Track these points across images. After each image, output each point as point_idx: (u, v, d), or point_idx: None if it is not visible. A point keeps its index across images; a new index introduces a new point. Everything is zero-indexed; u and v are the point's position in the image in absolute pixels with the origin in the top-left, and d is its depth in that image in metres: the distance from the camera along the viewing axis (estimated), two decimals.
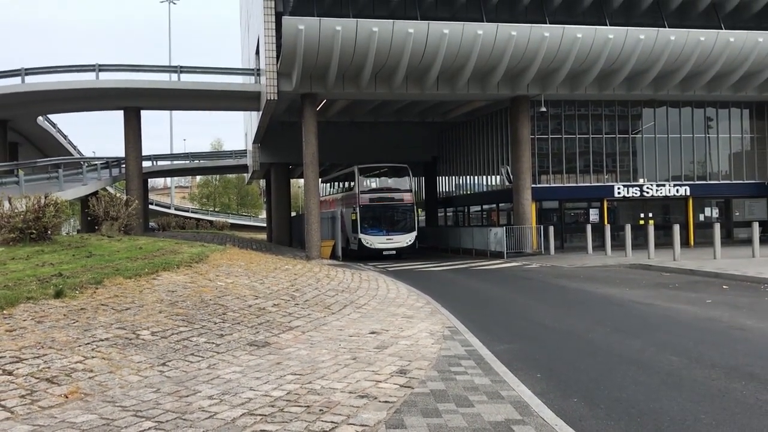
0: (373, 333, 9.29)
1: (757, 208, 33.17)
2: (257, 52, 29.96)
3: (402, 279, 17.96)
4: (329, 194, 37.01)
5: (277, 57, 24.91)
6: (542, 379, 7.01)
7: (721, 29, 27.12)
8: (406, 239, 29.00)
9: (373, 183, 30.27)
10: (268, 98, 25.29)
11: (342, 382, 6.48)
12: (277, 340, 8.63)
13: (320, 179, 33.21)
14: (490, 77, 26.40)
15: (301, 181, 46.05)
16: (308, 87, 25.93)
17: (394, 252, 28.83)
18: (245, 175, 64.48)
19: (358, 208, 28.72)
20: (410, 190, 29.85)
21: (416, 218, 30.07)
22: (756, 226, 22.92)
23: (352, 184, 29.79)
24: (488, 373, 6.95)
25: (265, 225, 68.34)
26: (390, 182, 30.53)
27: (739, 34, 26.60)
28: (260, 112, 29.88)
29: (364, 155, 34.14)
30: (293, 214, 52.57)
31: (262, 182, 66.18)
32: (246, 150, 50.94)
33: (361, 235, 28.60)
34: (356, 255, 28.70)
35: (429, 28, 23.95)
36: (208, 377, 6.67)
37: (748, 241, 23.88)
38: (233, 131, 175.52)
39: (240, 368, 7.09)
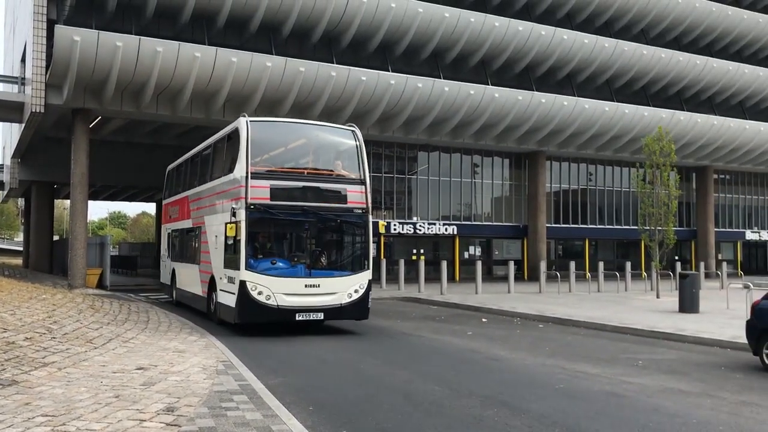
0: (140, 369, 8.74)
1: (514, 248, 36.75)
2: (23, 60, 27.37)
3: (175, 311, 17.18)
4: (180, 191, 19.39)
5: (47, 67, 22.94)
6: (314, 412, 7.06)
7: (488, 85, 29.99)
8: (347, 287, 13.48)
9: (281, 159, 14.70)
10: (33, 110, 23.11)
11: (101, 422, 5.99)
12: (27, 377, 7.76)
13: (171, 165, 21.53)
14: (279, 108, 26.56)
15: (68, 202, 42.44)
16: (81, 102, 24.10)
17: (320, 316, 13.25)
18: (1, 192, 58.02)
19: (243, 212, 12.81)
20: (362, 182, 14.05)
21: (371, 244, 14.40)
22: (512, 264, 25.46)
23: (234, 159, 13.84)
24: (260, 408, 6.85)
25: (22, 249, 61.84)
26: (314, 159, 15.07)
27: (502, 90, 29.60)
28: (23, 125, 27.17)
29: (141, 179, 30.95)
30: (56, 238, 48.11)
31: (21, 201, 59.98)
32: (3, 165, 45.89)
33: (246, 274, 12.74)
34: (234, 321, 13.28)
35: (217, 55, 23.57)
36: None
37: (505, 278, 26.31)
38: None
39: None
